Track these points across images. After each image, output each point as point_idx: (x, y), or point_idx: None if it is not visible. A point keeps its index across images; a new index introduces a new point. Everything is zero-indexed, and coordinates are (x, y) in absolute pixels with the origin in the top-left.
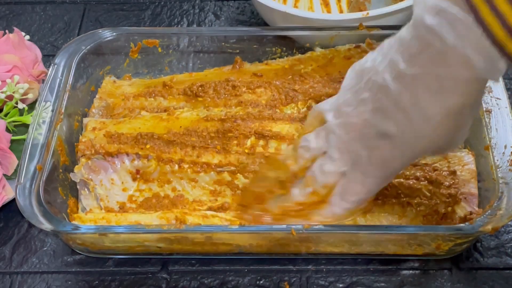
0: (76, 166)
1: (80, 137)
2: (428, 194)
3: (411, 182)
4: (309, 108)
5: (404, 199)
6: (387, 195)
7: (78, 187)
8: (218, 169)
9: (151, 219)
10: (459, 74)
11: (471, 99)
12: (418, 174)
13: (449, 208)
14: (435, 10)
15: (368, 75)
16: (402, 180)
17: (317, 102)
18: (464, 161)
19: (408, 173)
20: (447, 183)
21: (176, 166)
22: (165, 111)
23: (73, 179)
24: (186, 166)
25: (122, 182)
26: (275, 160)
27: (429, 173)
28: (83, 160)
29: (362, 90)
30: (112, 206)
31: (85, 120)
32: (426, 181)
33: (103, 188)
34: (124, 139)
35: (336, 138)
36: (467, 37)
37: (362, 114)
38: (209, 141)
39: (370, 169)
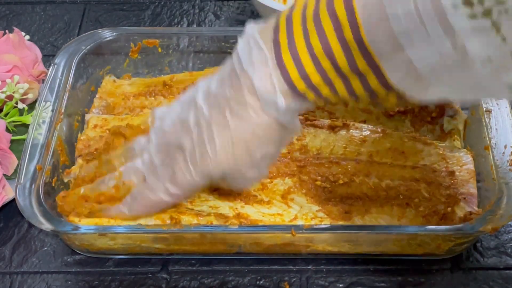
0: (73, 167)
1: (79, 135)
2: (427, 195)
3: (410, 184)
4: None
5: (403, 200)
6: (386, 197)
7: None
8: None
9: (146, 221)
10: (247, 100)
11: (261, 135)
12: (416, 175)
13: (449, 209)
14: (246, 37)
15: (192, 90)
16: (401, 181)
17: None
18: (463, 161)
19: (406, 174)
20: (446, 183)
21: None
22: None
23: (65, 180)
24: None
25: None
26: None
27: (428, 174)
28: (79, 161)
29: (182, 102)
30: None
31: (87, 116)
32: (425, 182)
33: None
34: None
35: (152, 142)
36: (260, 66)
37: (172, 123)
38: None
39: (164, 179)
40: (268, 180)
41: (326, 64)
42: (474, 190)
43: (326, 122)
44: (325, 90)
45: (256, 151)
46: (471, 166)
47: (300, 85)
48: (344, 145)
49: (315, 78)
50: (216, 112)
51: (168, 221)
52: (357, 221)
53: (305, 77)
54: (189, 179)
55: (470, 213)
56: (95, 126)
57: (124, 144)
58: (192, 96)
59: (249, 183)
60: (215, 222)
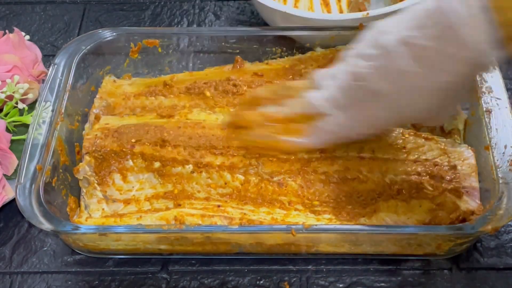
0: (80, 163)
1: (84, 134)
2: (430, 188)
3: (413, 178)
4: None
5: (407, 195)
6: (390, 192)
7: (80, 185)
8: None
9: (150, 222)
10: (458, 52)
11: (461, 82)
12: (419, 169)
13: (452, 202)
14: None
15: (380, 35)
16: (404, 176)
17: None
18: (464, 156)
19: (409, 169)
20: (448, 177)
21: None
22: (167, 110)
23: (76, 177)
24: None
25: (127, 180)
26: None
27: (430, 168)
28: (87, 157)
29: (371, 47)
30: (116, 204)
31: (91, 115)
32: (428, 176)
33: (106, 186)
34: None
35: (338, 80)
36: (476, 16)
37: (367, 66)
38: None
39: (354, 118)
40: (274, 180)
41: None
42: (476, 184)
43: None
44: None
45: (454, 98)
46: (472, 161)
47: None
48: (346, 143)
49: None
50: (422, 60)
51: (173, 222)
52: (364, 221)
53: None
54: (382, 122)
55: (472, 212)
56: (102, 124)
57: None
58: (379, 41)
59: (439, 123)
60: (219, 223)
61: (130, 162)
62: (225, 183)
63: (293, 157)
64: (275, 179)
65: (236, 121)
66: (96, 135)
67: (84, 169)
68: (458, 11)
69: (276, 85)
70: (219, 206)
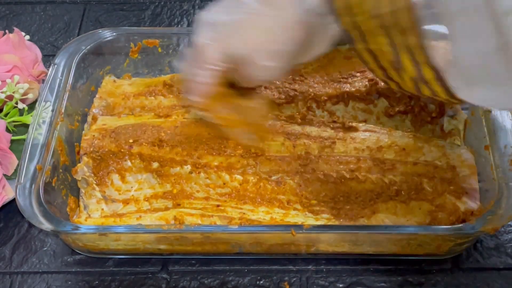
0: (78, 164)
1: (83, 134)
2: (430, 189)
3: (413, 179)
4: (309, 108)
5: (407, 196)
6: (389, 193)
7: (79, 185)
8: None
9: (150, 222)
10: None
11: (286, 27)
12: (419, 171)
13: (452, 203)
14: None
15: None
16: (403, 177)
17: (317, 102)
18: (463, 157)
19: (408, 170)
20: (448, 178)
21: (189, 167)
22: (166, 110)
23: (74, 177)
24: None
25: (126, 180)
26: None
27: (430, 169)
28: (85, 158)
29: None
30: (115, 204)
31: (89, 116)
32: (427, 178)
33: (105, 186)
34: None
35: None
36: None
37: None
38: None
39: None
40: (272, 179)
41: None
42: (476, 185)
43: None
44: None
45: (274, 41)
46: (471, 162)
47: None
48: (345, 143)
49: None
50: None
51: (172, 221)
52: (363, 222)
53: None
54: (211, 53)
55: (472, 212)
56: (100, 125)
57: None
58: None
59: (261, 75)
60: (218, 223)
61: (128, 163)
62: (224, 183)
63: (290, 156)
64: (273, 178)
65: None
66: (94, 135)
67: (83, 169)
68: None
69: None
70: (218, 205)
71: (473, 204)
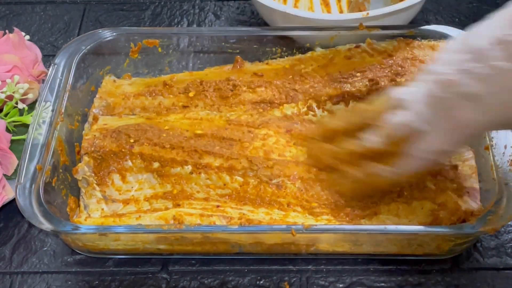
0: (79, 164)
1: (84, 134)
2: (433, 187)
3: (415, 178)
4: (309, 108)
5: (409, 196)
6: (391, 196)
7: (79, 185)
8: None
9: (149, 222)
10: None
11: None
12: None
13: (454, 202)
14: None
15: (470, 40)
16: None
17: (317, 102)
18: (465, 157)
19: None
20: (450, 177)
21: (189, 168)
22: (166, 110)
23: (75, 177)
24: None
25: (126, 180)
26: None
27: (433, 167)
28: (86, 158)
29: (461, 53)
30: (115, 204)
31: (90, 118)
32: (430, 175)
33: (105, 186)
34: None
35: (422, 95)
36: None
37: (451, 70)
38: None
39: (447, 130)
40: (273, 182)
41: None
42: (476, 185)
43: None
44: None
45: None
46: (472, 162)
47: None
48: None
49: None
50: None
51: (171, 221)
52: (364, 223)
53: None
54: (476, 128)
55: (472, 212)
56: (101, 125)
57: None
58: (470, 45)
59: None
60: (217, 223)
61: (129, 163)
62: (224, 184)
63: (291, 162)
64: (273, 181)
65: (316, 164)
66: (95, 135)
67: (83, 169)
68: None
69: (350, 112)
70: (218, 206)
71: (474, 204)
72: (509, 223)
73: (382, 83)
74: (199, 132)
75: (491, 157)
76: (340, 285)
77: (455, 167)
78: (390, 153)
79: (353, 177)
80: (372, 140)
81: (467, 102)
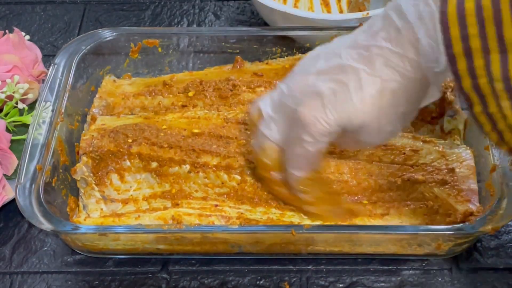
0: (78, 164)
1: (82, 134)
2: (427, 194)
3: (411, 183)
4: None
5: (405, 200)
6: (388, 197)
7: (78, 185)
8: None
9: (148, 222)
10: (406, 54)
11: (410, 90)
12: (417, 174)
13: (451, 206)
14: None
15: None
16: (402, 181)
17: None
18: (463, 158)
19: (407, 173)
20: (447, 181)
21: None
22: (166, 110)
23: (74, 177)
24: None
25: (125, 180)
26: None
27: (428, 173)
28: (84, 158)
29: (312, 58)
30: (114, 204)
31: (88, 118)
32: (426, 182)
33: (104, 186)
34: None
35: (275, 93)
36: (425, 20)
37: (303, 72)
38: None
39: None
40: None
41: (490, 29)
42: (474, 186)
43: None
44: (478, 62)
45: (401, 105)
46: (471, 162)
47: (457, 46)
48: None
49: (475, 42)
50: (366, 61)
51: (170, 221)
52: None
53: (464, 38)
54: (323, 126)
55: (471, 213)
56: (99, 125)
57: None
58: (331, 49)
59: (381, 139)
60: (216, 223)
61: (128, 162)
62: (222, 183)
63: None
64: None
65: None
66: (93, 135)
67: (82, 169)
68: (406, 14)
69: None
70: (216, 205)
71: (472, 206)
72: (509, 223)
73: None
74: (196, 131)
75: (491, 157)
76: (340, 285)
77: (452, 170)
78: None
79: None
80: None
81: (314, 100)
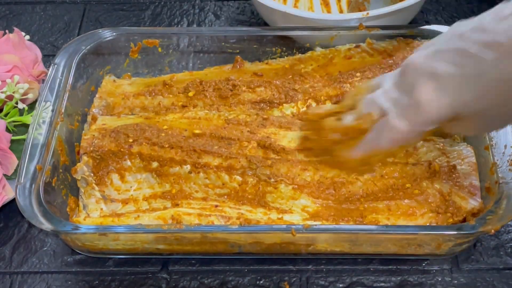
0: (78, 163)
1: (83, 134)
2: (431, 191)
3: (414, 181)
4: (309, 107)
5: (408, 198)
6: (391, 196)
7: (78, 185)
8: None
9: (148, 222)
10: None
11: None
12: (419, 172)
13: (454, 203)
14: None
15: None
16: (404, 179)
17: (317, 101)
18: (464, 155)
19: (409, 172)
20: (449, 178)
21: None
22: (166, 110)
23: (74, 177)
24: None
25: (125, 180)
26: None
27: (430, 170)
28: (85, 158)
29: (442, 37)
30: (114, 204)
31: (89, 118)
32: (428, 179)
33: (104, 186)
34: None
35: (394, 73)
36: None
37: (424, 54)
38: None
39: (406, 110)
40: (271, 182)
41: None
42: (476, 183)
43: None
44: None
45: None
46: (472, 159)
47: None
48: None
49: None
50: (488, 48)
51: (170, 221)
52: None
53: None
54: (435, 110)
55: (473, 214)
56: (99, 125)
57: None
58: (452, 31)
59: (483, 128)
60: (216, 223)
61: (128, 162)
62: (223, 184)
63: (291, 159)
64: (272, 180)
65: (309, 144)
66: (94, 135)
67: (82, 169)
68: None
69: (345, 97)
70: (216, 206)
71: (475, 202)
72: (509, 223)
73: None
74: (197, 131)
75: (491, 157)
76: (340, 285)
77: (454, 167)
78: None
79: (343, 156)
80: (347, 118)
81: (429, 81)
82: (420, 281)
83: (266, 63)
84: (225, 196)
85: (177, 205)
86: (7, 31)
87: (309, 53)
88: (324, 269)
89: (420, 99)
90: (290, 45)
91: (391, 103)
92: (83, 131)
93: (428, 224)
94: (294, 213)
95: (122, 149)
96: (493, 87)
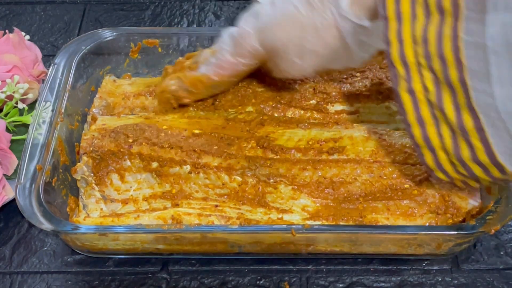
0: (78, 163)
1: (83, 134)
2: (430, 191)
3: (412, 182)
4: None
5: (408, 198)
6: (390, 196)
7: (78, 185)
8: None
9: (148, 222)
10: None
11: (319, 30)
12: (418, 173)
13: (453, 203)
14: None
15: None
16: (403, 179)
17: (317, 101)
18: None
19: (408, 172)
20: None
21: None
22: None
23: (74, 177)
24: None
25: (125, 180)
26: None
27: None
28: (84, 158)
29: None
30: (114, 204)
31: (89, 118)
32: (427, 180)
33: (104, 186)
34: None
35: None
36: None
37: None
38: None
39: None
40: (271, 182)
41: None
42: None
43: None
44: (406, 26)
45: (308, 40)
46: None
47: (390, 8)
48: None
49: (405, 6)
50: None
51: (170, 221)
52: (361, 223)
53: (397, 1)
54: (250, 45)
55: (473, 215)
56: (99, 125)
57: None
58: None
59: (290, 70)
60: (216, 223)
61: (128, 162)
62: (223, 184)
63: (290, 159)
64: (271, 181)
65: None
66: (93, 135)
67: (82, 169)
68: None
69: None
70: (216, 206)
71: (474, 202)
72: (509, 223)
73: (380, 84)
74: (197, 131)
75: None
76: (340, 285)
77: None
78: None
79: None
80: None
81: (249, 17)
82: (420, 281)
83: None
84: (225, 196)
85: (177, 205)
86: (7, 31)
87: None
88: (324, 269)
89: (239, 30)
90: None
91: (219, 44)
92: (83, 131)
93: (427, 224)
94: (294, 212)
95: (122, 149)
96: (281, 26)
